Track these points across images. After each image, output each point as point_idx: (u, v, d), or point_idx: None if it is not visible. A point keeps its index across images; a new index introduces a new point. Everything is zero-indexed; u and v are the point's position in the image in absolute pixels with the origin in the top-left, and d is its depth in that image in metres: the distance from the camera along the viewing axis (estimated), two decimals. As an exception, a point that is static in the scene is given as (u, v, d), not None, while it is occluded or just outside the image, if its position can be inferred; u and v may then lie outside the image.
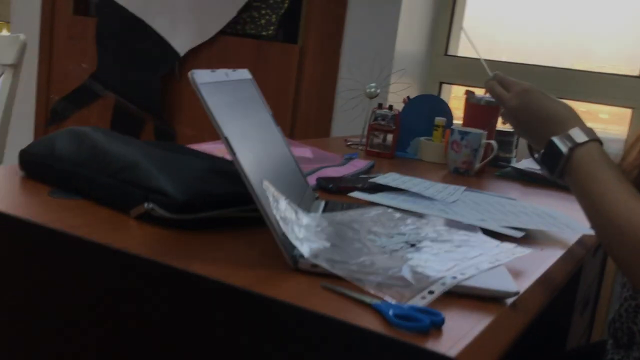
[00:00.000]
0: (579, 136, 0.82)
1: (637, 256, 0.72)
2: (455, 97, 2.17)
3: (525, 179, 1.44)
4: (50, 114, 2.58)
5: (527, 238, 0.90)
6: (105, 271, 0.67)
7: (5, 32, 2.93)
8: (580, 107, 1.99)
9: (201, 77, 0.67)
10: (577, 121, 0.84)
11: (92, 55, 2.44)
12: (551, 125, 0.85)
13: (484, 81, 0.99)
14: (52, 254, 0.71)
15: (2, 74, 1.88)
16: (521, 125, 0.91)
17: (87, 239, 0.68)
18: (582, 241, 0.97)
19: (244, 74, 0.88)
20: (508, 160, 1.59)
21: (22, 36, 1.88)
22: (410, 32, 2.04)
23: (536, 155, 0.90)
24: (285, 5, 2.10)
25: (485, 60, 1.06)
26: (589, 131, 0.82)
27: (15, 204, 0.78)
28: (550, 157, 0.84)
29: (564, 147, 0.82)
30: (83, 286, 0.69)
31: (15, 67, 1.86)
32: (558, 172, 0.83)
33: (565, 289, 1.14)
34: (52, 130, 2.56)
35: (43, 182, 0.86)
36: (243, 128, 0.74)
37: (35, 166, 0.87)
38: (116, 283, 0.67)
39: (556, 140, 0.83)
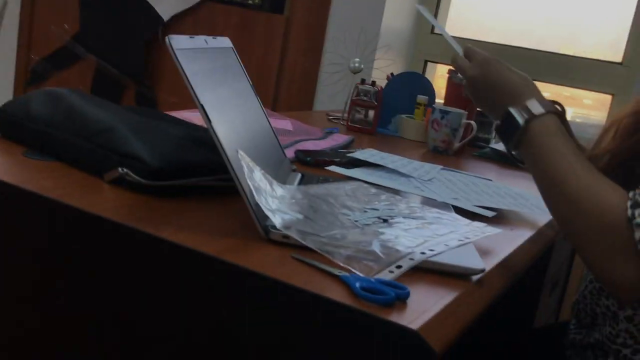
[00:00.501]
0: (536, 108, 0.82)
1: (590, 231, 0.72)
2: (442, 76, 2.17)
3: (503, 160, 1.46)
4: (30, 74, 2.54)
5: (499, 218, 0.91)
6: (76, 234, 0.67)
7: (-15, -11, 2.86)
8: (564, 92, 2.01)
9: (179, 42, 0.66)
10: (535, 92, 0.84)
11: (75, 16, 2.40)
12: (508, 95, 0.85)
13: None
14: (24, 215, 0.71)
15: (-19, 31, 1.84)
16: (480, 94, 0.90)
17: (60, 200, 0.67)
18: (552, 223, 0.99)
19: (225, 42, 0.88)
20: (487, 141, 1.60)
21: (2, -7, 1.83)
22: (397, 9, 2.03)
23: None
24: (273, -26, 2.07)
25: (455, 37, 1.05)
26: (546, 104, 0.82)
27: (-12, 163, 0.77)
28: (507, 128, 0.84)
29: (520, 119, 0.82)
30: (53, 248, 0.69)
31: (-5, 24, 1.83)
32: (514, 144, 0.83)
33: (534, 269, 1.17)
34: (31, 90, 2.53)
35: (18, 142, 0.85)
36: (220, 97, 0.74)
37: (10, 126, 0.86)
38: (87, 246, 0.67)
39: (513, 111, 0.83)
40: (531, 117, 0.81)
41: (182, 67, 0.64)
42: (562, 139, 0.79)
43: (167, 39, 0.64)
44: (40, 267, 0.70)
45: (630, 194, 0.70)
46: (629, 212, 0.69)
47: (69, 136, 0.80)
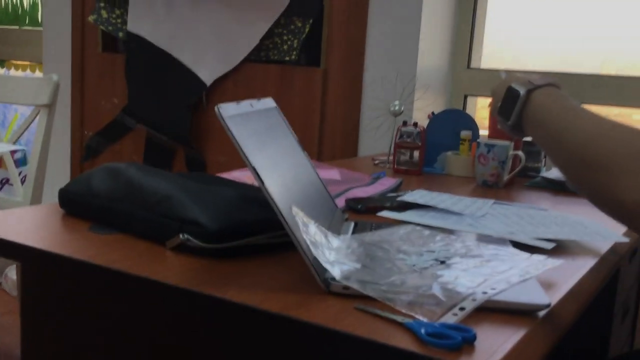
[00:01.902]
0: (537, 80, 0.82)
1: (623, 160, 0.67)
2: (482, 108, 2.17)
3: (556, 187, 1.44)
4: (85, 150, 2.65)
5: (559, 249, 0.90)
6: (144, 302, 0.70)
7: (38, 73, 3.03)
8: (613, 111, 1.97)
9: (227, 110, 0.70)
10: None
11: (122, 90, 2.51)
12: (511, 79, 0.86)
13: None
14: (94, 288, 0.74)
15: (38, 114, 1.95)
16: (494, 101, 0.91)
17: (126, 272, 0.70)
18: (615, 249, 0.97)
19: (268, 102, 0.91)
20: (537, 170, 1.58)
21: (54, 77, 1.95)
22: (431, 48, 2.06)
23: (498, 116, 0.90)
24: (306, 29, 2.13)
25: (491, 69, 1.08)
26: (548, 79, 0.82)
27: (57, 241, 0.81)
28: (508, 102, 0.83)
29: (521, 89, 0.82)
30: (124, 317, 0.72)
31: (50, 107, 1.94)
32: (515, 116, 0.82)
33: (602, 297, 1.13)
34: (87, 166, 2.64)
35: (83, 218, 0.89)
36: (270, 156, 0.77)
37: (75, 204, 0.91)
38: (155, 313, 0.69)
39: (514, 84, 0.83)
40: (532, 87, 0.82)
41: (232, 133, 0.67)
42: (570, 101, 0.78)
43: (216, 109, 0.67)
44: (112, 336, 0.73)
45: None
46: None
47: (130, 208, 0.84)
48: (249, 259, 0.77)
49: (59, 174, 2.67)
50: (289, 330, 0.61)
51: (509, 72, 0.94)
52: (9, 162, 2.09)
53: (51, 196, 2.23)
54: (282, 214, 0.68)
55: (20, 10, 3.13)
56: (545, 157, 1.62)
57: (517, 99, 0.82)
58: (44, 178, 1.95)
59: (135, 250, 0.78)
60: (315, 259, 0.68)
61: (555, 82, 0.83)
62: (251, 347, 0.63)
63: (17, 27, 3.14)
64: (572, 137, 0.74)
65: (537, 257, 0.80)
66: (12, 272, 2.43)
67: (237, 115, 0.72)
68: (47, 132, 1.92)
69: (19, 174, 2.12)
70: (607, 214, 0.72)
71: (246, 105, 0.78)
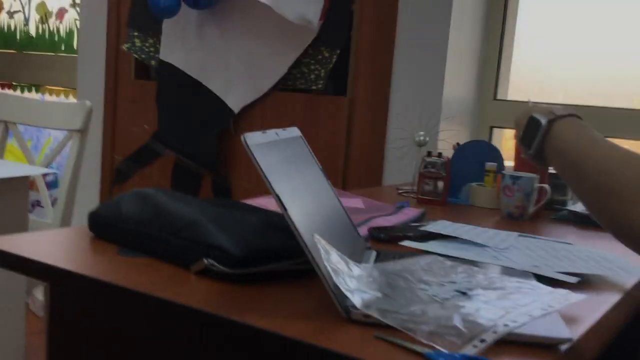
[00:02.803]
0: (558, 111, 0.84)
1: (626, 203, 0.69)
2: (508, 139, 2.17)
3: (582, 221, 1.42)
4: (115, 174, 2.71)
5: (583, 283, 0.89)
6: (168, 324, 0.71)
7: (72, 99, 3.12)
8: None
9: (253, 139, 0.72)
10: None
11: (153, 116, 2.57)
12: (534, 110, 0.88)
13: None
14: (121, 310, 0.75)
15: (71, 138, 2.01)
16: (517, 130, 0.92)
17: (153, 294, 0.72)
18: (641, 284, 0.95)
19: (294, 131, 0.93)
20: (563, 203, 1.57)
21: (88, 103, 2.00)
22: (457, 79, 2.07)
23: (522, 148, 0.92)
24: (334, 59, 2.17)
25: (517, 101, 1.11)
26: (570, 110, 0.84)
27: (86, 263, 0.83)
28: (530, 131, 0.85)
29: (543, 119, 0.84)
30: (149, 339, 0.73)
31: (82, 132, 1.99)
32: (537, 145, 0.83)
33: (627, 333, 1.11)
34: (117, 189, 2.70)
35: (111, 241, 0.91)
36: (294, 184, 0.78)
37: (103, 227, 0.93)
38: (179, 336, 0.71)
39: (536, 114, 0.85)
40: (554, 117, 0.83)
41: (257, 162, 0.69)
42: (591, 131, 0.80)
43: (242, 138, 0.69)
44: (138, 358, 0.74)
45: None
46: None
47: (157, 233, 0.86)
48: (271, 284, 0.78)
49: (89, 197, 2.72)
50: (309, 357, 0.62)
51: (534, 103, 0.96)
52: (41, 184, 2.14)
53: (80, 219, 2.28)
54: (304, 241, 0.69)
55: (57, 37, 3.24)
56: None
57: (539, 128, 0.84)
58: (74, 201, 1.99)
59: (161, 273, 0.80)
60: (336, 286, 0.69)
61: (576, 113, 0.84)
62: (271, 372, 0.64)
63: (53, 53, 3.24)
64: (589, 166, 0.75)
65: (560, 291, 0.79)
66: (38, 293, 2.47)
67: (262, 144, 0.74)
68: (79, 156, 1.97)
69: (50, 196, 2.17)
70: (622, 242, 0.72)
71: (272, 134, 0.80)
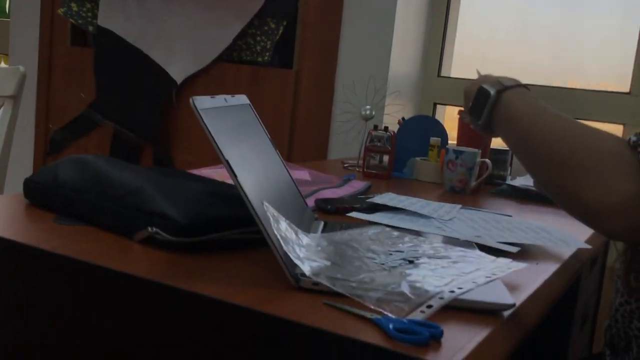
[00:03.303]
0: (507, 82, 0.85)
1: (587, 160, 0.70)
2: (450, 118, 2.20)
3: (520, 196, 1.47)
4: (49, 144, 2.60)
5: (523, 253, 0.92)
6: (110, 294, 0.69)
7: (3, 64, 2.96)
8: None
9: (202, 103, 0.69)
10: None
11: (91, 85, 2.47)
12: (483, 80, 0.89)
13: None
14: (58, 279, 0.72)
15: (2, 105, 1.91)
16: (466, 100, 0.93)
17: (92, 262, 0.69)
18: (577, 255, 0.99)
19: (242, 99, 0.91)
20: (503, 178, 1.61)
21: (21, 68, 1.90)
22: (403, 55, 2.08)
23: (465, 116, 0.93)
24: (280, 31, 2.14)
25: (461, 78, 1.11)
26: (518, 81, 0.85)
27: (20, 231, 0.79)
28: (479, 102, 0.86)
29: (492, 90, 0.84)
30: (89, 310, 0.71)
31: (15, 98, 1.89)
32: (486, 115, 0.84)
33: (563, 303, 1.16)
34: (50, 160, 2.59)
35: (48, 209, 0.87)
36: (243, 152, 0.76)
37: (40, 194, 0.89)
38: (121, 305, 0.68)
39: (485, 85, 0.86)
40: (502, 87, 0.84)
41: (206, 126, 0.67)
42: (539, 102, 0.81)
43: (191, 100, 0.67)
44: (76, 328, 0.72)
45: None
46: (632, 137, 0.70)
47: (97, 200, 0.83)
48: (218, 254, 0.77)
49: (21, 168, 2.61)
50: (258, 324, 0.61)
51: (483, 75, 0.97)
52: (-30, 153, 2.03)
53: (12, 189, 2.18)
54: (253, 208, 0.68)
55: (-14, 0, 3.06)
56: (511, 165, 1.66)
57: (487, 99, 0.84)
58: (6, 171, 1.90)
59: (101, 242, 0.77)
60: (285, 254, 0.68)
61: (525, 84, 0.85)
62: (219, 340, 0.63)
63: (-18, 16, 3.07)
64: (538, 137, 0.76)
65: (503, 260, 0.81)
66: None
67: (211, 109, 0.72)
68: (12, 124, 1.88)
69: (-20, 166, 2.06)
70: (569, 213, 0.74)
71: (220, 99, 0.78)
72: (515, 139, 0.81)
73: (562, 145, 0.73)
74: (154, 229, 0.76)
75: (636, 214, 0.67)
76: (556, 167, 0.73)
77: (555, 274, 0.87)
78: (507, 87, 0.84)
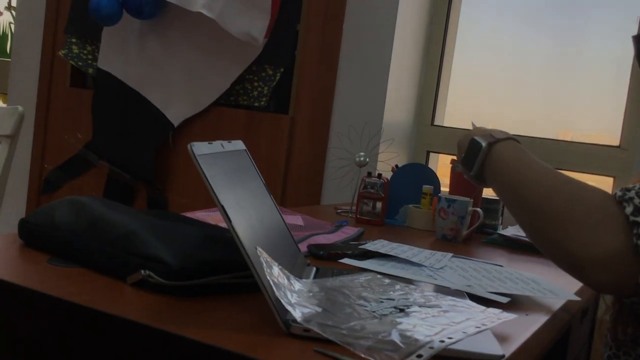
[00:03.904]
0: (498, 135, 0.88)
1: (573, 214, 0.71)
2: (443, 165, 2.23)
3: (511, 245, 1.48)
4: (43, 184, 2.61)
5: (513, 303, 0.92)
6: (103, 337, 0.69)
7: (1, 104, 2.99)
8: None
9: (199, 149, 0.71)
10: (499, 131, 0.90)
11: (87, 126, 2.50)
12: (475, 133, 0.92)
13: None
14: (50, 321, 0.72)
15: (0, 144, 1.92)
16: (458, 152, 0.95)
17: (84, 305, 0.69)
18: (567, 307, 0.99)
19: (238, 144, 0.93)
20: (494, 227, 1.62)
21: (20, 108, 1.93)
22: (397, 103, 2.12)
23: (457, 166, 0.95)
24: (277, 78, 2.18)
25: (453, 128, 1.13)
26: (508, 134, 0.88)
27: (14, 271, 0.80)
28: (471, 154, 0.88)
29: (483, 142, 0.87)
30: (80, 351, 0.70)
31: (12, 137, 1.91)
32: (477, 167, 0.87)
33: (553, 355, 1.16)
34: (44, 199, 2.59)
35: (42, 250, 0.88)
36: (238, 196, 0.78)
37: (35, 235, 0.89)
38: (113, 348, 0.68)
39: (477, 137, 0.88)
40: (494, 140, 0.87)
41: (203, 172, 0.68)
42: (528, 154, 0.83)
43: (189, 147, 0.68)
44: (65, 372, 0.71)
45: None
46: (618, 192, 0.71)
47: (91, 242, 0.83)
48: (210, 298, 0.77)
49: (15, 208, 2.60)
50: (247, 371, 0.61)
51: (476, 126, 0.99)
52: (-36, 191, 2.03)
53: (5, 230, 2.17)
54: (247, 253, 0.69)
55: (-12, 40, 3.12)
56: (502, 214, 1.67)
57: (479, 151, 0.86)
58: (0, 209, 1.90)
59: (94, 284, 0.77)
60: (277, 299, 0.69)
61: (515, 136, 0.88)
62: (208, 386, 0.63)
63: (-17, 56, 3.12)
64: (527, 190, 0.78)
65: (493, 310, 0.82)
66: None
67: (208, 155, 0.73)
68: (8, 163, 1.89)
69: (-27, 204, 2.06)
70: (557, 265, 0.75)
71: (217, 145, 0.79)
72: (505, 191, 0.83)
73: (549, 198, 0.75)
74: (147, 272, 0.76)
75: (621, 267, 0.69)
76: (543, 219, 0.75)
77: (545, 326, 0.87)
78: (498, 140, 0.86)
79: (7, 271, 0.78)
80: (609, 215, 0.70)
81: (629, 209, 0.69)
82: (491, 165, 0.86)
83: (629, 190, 0.71)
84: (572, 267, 0.73)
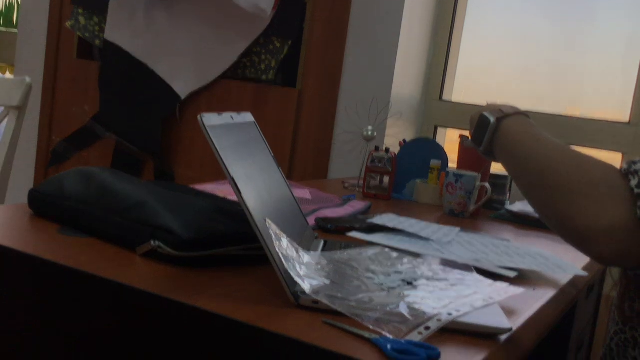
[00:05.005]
0: (507, 110, 0.89)
1: (580, 185, 0.73)
2: (451, 141, 2.22)
3: (519, 221, 1.48)
4: (51, 155, 2.61)
5: (520, 278, 0.93)
6: (112, 306, 0.70)
7: (9, 75, 2.99)
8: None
9: (209, 120, 0.71)
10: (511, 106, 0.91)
11: (94, 98, 2.49)
12: (485, 108, 0.93)
13: None
14: (61, 290, 0.73)
15: (7, 115, 1.92)
16: (470, 126, 0.96)
17: (95, 274, 0.70)
18: (574, 282, 1.00)
19: (247, 117, 0.92)
20: (502, 203, 1.62)
21: (27, 79, 1.92)
22: (406, 77, 2.10)
23: (468, 140, 0.96)
24: (285, 50, 2.16)
25: (461, 103, 1.15)
26: (518, 109, 0.89)
27: (24, 241, 0.80)
28: (480, 129, 0.90)
29: (492, 117, 0.88)
30: (90, 321, 0.71)
31: (20, 109, 1.91)
32: (487, 142, 0.88)
33: (559, 330, 1.16)
34: (52, 171, 2.60)
35: (52, 220, 0.88)
36: (247, 169, 0.77)
37: (45, 205, 0.90)
38: (123, 318, 0.69)
39: (486, 113, 0.90)
40: (502, 115, 0.88)
41: (213, 142, 0.68)
42: (536, 129, 0.84)
43: (199, 117, 0.68)
44: (77, 339, 0.72)
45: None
46: (624, 165, 0.73)
47: (101, 212, 0.83)
48: (220, 269, 0.78)
49: (23, 179, 2.61)
50: (257, 341, 0.61)
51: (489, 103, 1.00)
52: (-27, 162, 2.04)
53: (13, 200, 2.18)
54: (256, 225, 0.69)
55: (-6, 11, 3.10)
56: (510, 190, 1.67)
57: (487, 126, 0.87)
58: (8, 181, 1.91)
59: (104, 254, 0.78)
60: (286, 271, 0.69)
61: (524, 111, 0.88)
62: (219, 355, 0.64)
63: (-10, 27, 3.10)
64: (534, 163, 0.79)
65: (500, 284, 0.82)
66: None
67: (218, 126, 0.73)
68: (16, 134, 1.89)
69: (-18, 175, 2.07)
70: (562, 237, 0.77)
71: (227, 117, 0.79)
72: (513, 165, 0.84)
73: (556, 171, 0.76)
74: (157, 243, 0.76)
75: (625, 239, 0.70)
76: (550, 192, 0.76)
77: (552, 300, 0.88)
78: (506, 115, 0.87)
79: (18, 241, 0.79)
80: (614, 187, 0.71)
81: (633, 182, 0.70)
82: (499, 140, 0.87)
83: (635, 163, 0.72)
84: (577, 239, 0.73)
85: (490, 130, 0.88)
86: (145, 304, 0.67)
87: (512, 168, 0.85)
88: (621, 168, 0.73)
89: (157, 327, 0.67)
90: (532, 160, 0.80)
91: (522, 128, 0.86)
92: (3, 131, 1.90)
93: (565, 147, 0.79)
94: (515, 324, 0.73)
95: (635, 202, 0.70)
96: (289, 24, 2.14)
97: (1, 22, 3.08)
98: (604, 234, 0.70)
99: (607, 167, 0.74)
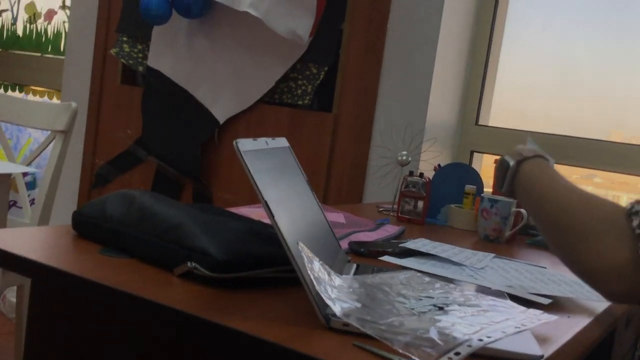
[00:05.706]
0: (527, 153, 0.94)
1: (589, 224, 0.77)
2: (488, 166, 2.21)
3: (556, 247, 1.46)
4: (95, 178, 2.69)
5: (555, 305, 0.92)
6: (150, 325, 0.72)
7: (55, 100, 3.10)
8: (618, 178, 2.00)
9: (244, 145, 0.73)
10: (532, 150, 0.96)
11: (137, 122, 2.57)
12: (508, 153, 0.98)
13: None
14: (102, 309, 0.76)
15: (54, 139, 2.00)
16: (495, 169, 1.02)
17: (133, 293, 0.73)
18: (610, 310, 0.98)
19: (282, 142, 0.95)
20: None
21: (73, 104, 2.00)
22: (441, 102, 2.11)
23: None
24: (321, 76, 2.19)
25: (499, 127, 1.22)
26: (538, 152, 0.94)
27: (68, 260, 0.84)
28: (501, 172, 0.96)
29: (512, 161, 0.94)
30: (129, 338, 0.74)
31: (66, 133, 1.98)
32: (508, 185, 0.94)
33: (597, 358, 1.14)
34: (95, 193, 2.68)
35: (94, 241, 0.92)
36: (281, 193, 0.80)
37: (87, 226, 0.93)
38: (158, 335, 0.71)
39: (507, 157, 0.95)
40: (522, 158, 0.93)
41: (247, 167, 0.70)
42: (552, 171, 0.89)
43: (234, 143, 0.71)
44: (114, 355, 0.75)
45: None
46: (629, 206, 0.75)
47: (141, 234, 0.86)
48: (253, 290, 0.79)
49: (67, 201, 2.70)
50: (288, 361, 0.63)
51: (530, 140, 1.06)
52: (21, 183, 2.12)
53: (58, 222, 2.25)
54: (289, 248, 0.70)
55: (44, 38, 3.23)
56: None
57: (507, 169, 0.95)
58: (53, 202, 1.98)
59: (143, 274, 0.81)
60: (317, 294, 0.70)
61: (543, 154, 0.93)
62: (250, 375, 0.65)
63: (39, 54, 3.23)
64: (548, 204, 0.85)
65: (533, 311, 0.82)
66: (11, 294, 2.44)
67: (253, 151, 0.75)
68: (61, 157, 1.96)
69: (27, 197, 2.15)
70: (574, 274, 0.80)
71: (262, 142, 0.81)
72: (530, 205, 0.92)
73: (564, 211, 0.81)
74: (193, 264, 0.79)
75: (629, 278, 0.73)
76: (561, 233, 0.81)
77: (587, 328, 0.87)
78: (526, 158, 0.92)
79: (62, 261, 0.82)
80: (617, 228, 0.74)
81: (635, 222, 0.73)
82: (519, 182, 0.93)
83: (638, 203, 0.76)
84: (584, 277, 0.79)
85: (510, 172, 0.94)
86: (180, 323, 0.69)
87: (530, 208, 0.91)
88: (625, 208, 0.76)
89: (191, 345, 0.69)
90: (545, 202, 0.85)
91: (540, 171, 0.91)
92: (49, 154, 1.98)
93: (576, 189, 0.84)
94: (548, 351, 0.73)
95: (636, 242, 0.73)
96: (326, 50, 2.17)
97: (49, 49, 3.21)
98: (608, 274, 0.74)
99: (612, 207, 0.78)
